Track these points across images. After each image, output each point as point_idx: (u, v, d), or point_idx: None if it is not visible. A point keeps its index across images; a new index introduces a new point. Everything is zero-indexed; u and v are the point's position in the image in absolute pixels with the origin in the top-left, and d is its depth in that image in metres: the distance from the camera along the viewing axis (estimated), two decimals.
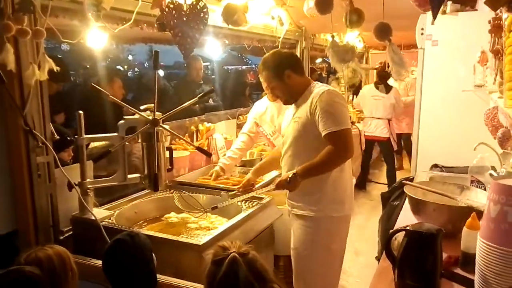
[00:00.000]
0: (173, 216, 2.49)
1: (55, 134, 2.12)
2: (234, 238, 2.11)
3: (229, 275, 1.27)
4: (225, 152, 3.47)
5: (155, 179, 2.23)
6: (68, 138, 2.20)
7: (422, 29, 3.82)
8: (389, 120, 5.93)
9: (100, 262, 1.88)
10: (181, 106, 2.33)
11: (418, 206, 2.20)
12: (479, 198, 2.19)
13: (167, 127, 2.29)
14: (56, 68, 1.92)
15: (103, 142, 2.65)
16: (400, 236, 1.94)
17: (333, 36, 3.44)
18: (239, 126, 4.11)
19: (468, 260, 1.78)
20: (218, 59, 7.70)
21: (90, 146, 2.51)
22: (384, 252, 2.01)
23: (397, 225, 2.30)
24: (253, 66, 11.29)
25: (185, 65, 4.87)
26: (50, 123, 2.09)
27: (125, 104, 2.17)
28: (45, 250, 1.52)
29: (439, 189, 2.32)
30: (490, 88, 3.01)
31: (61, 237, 2.20)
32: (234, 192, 2.54)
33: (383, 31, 2.77)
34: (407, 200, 2.99)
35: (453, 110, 3.78)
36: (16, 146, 1.93)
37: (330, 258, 2.35)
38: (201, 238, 2.00)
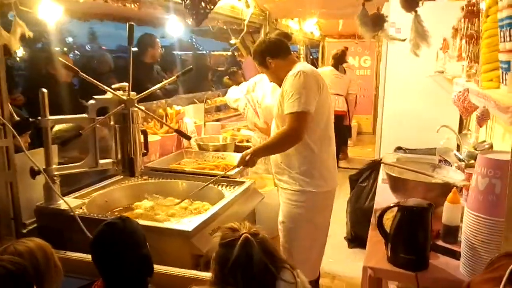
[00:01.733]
0: (145, 204, 2.38)
1: (14, 115, 1.95)
2: (222, 223, 2.07)
3: (242, 256, 1.22)
4: (196, 137, 3.39)
5: (130, 164, 2.13)
6: (30, 119, 1.99)
7: (387, 16, 3.89)
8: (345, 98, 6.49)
9: (76, 254, 1.79)
10: (158, 85, 2.24)
11: (397, 184, 2.25)
12: (451, 175, 2.28)
13: (142, 108, 2.19)
14: (28, 34, 1.75)
15: (64, 126, 2.47)
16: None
17: (363, 4, 3.34)
18: (207, 111, 4.03)
19: (449, 233, 1.85)
20: (167, 44, 7.51)
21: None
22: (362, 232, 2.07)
23: (377, 204, 2.36)
24: (205, 52, 11.04)
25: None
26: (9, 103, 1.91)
27: (97, 82, 2.02)
28: (24, 243, 1.37)
29: (414, 168, 2.39)
30: (453, 74, 3.14)
31: (24, 231, 2.02)
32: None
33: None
34: (378, 180, 3.10)
35: (415, 96, 3.92)
36: None
37: (315, 232, 2.45)
38: (188, 224, 1.93)
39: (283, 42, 2.49)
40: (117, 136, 2.16)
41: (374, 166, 3.63)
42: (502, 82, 1.58)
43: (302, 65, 2.36)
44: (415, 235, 1.63)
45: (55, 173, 2.05)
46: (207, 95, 4.03)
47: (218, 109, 4.45)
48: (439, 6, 3.78)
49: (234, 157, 3.03)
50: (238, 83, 6.73)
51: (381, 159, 3.56)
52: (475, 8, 2.09)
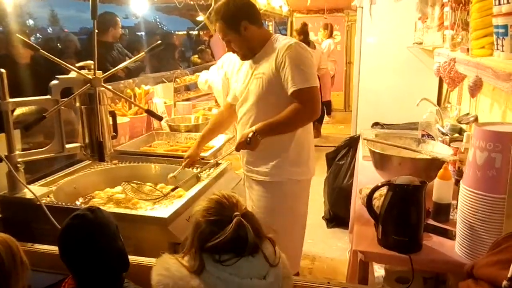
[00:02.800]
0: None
1: None
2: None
3: (234, 238, 1.11)
4: (166, 118, 3.21)
5: (99, 147, 1.95)
6: None
7: None
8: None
9: (44, 246, 1.63)
10: (127, 61, 2.06)
11: (382, 161, 2.17)
12: (437, 149, 2.21)
13: (110, 87, 2.00)
14: None
15: (27, 109, 2.27)
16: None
17: None
18: (177, 90, 3.84)
19: (441, 211, 1.78)
20: (131, 24, 7.19)
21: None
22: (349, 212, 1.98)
23: (360, 183, 2.27)
24: (171, 31, 10.71)
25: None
26: None
27: (59, 60, 1.82)
28: None
29: (397, 143, 2.31)
30: (432, 44, 3.07)
31: None
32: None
33: None
34: (357, 157, 3.02)
35: (391, 69, 3.85)
36: None
37: (294, 222, 2.24)
38: (163, 211, 1.79)
39: (257, 7, 2.19)
40: (83, 118, 2.00)
41: (351, 143, 3.55)
42: (497, 49, 1.49)
43: (286, 37, 2.14)
44: (407, 215, 1.55)
45: (19, 159, 1.85)
46: (176, 74, 3.82)
47: (188, 88, 4.25)
48: None
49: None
50: (206, 61, 6.55)
51: (359, 136, 3.48)
52: None
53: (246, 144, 1.97)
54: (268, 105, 2.07)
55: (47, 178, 2.15)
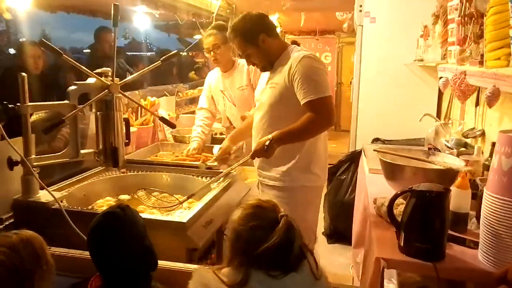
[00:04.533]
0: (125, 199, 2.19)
1: None
2: (213, 215, 1.91)
3: (283, 241, 1.09)
4: (170, 130, 3.20)
5: (114, 154, 1.95)
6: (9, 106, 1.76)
7: (361, 6, 3.88)
8: None
9: (63, 250, 1.59)
10: (143, 70, 2.05)
11: (394, 172, 2.17)
12: (448, 161, 2.23)
13: (126, 94, 1.99)
14: None
15: (40, 115, 2.23)
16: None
17: None
18: (178, 104, 3.83)
19: (458, 220, 1.78)
20: (121, 45, 7.23)
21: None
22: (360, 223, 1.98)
23: (371, 195, 2.27)
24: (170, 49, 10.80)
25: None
26: None
27: (81, 66, 1.82)
28: (7, 237, 1.18)
29: (403, 158, 2.33)
30: (436, 61, 3.14)
31: (0, 226, 1.82)
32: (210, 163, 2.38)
33: None
34: (365, 170, 3.02)
35: (392, 86, 3.89)
36: None
37: (305, 228, 2.21)
38: (181, 216, 1.77)
39: (271, 20, 2.27)
40: (98, 124, 1.97)
41: (353, 158, 3.57)
42: None
43: (301, 48, 2.20)
44: (431, 222, 1.54)
45: (35, 163, 1.82)
46: (178, 88, 3.83)
47: (190, 102, 4.26)
48: None
49: (213, 149, 2.88)
50: (203, 78, 6.58)
51: (361, 150, 3.51)
52: None
53: (263, 151, 2.01)
54: (280, 114, 2.13)
55: (57, 185, 2.12)
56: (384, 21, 3.83)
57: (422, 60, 3.45)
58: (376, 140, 3.70)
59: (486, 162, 2.13)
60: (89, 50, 4.34)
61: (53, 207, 1.80)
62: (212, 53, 2.86)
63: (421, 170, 2.10)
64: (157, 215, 1.89)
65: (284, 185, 2.16)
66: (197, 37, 5.95)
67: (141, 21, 4.42)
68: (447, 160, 2.25)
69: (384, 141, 3.63)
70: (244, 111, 2.93)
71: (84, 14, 4.06)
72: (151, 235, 1.65)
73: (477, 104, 2.67)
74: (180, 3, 3.66)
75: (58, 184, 2.12)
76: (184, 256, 1.69)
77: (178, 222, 1.70)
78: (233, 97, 2.97)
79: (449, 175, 2.01)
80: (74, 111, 1.84)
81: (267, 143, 2.00)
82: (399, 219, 1.62)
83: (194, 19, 4.24)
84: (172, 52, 2.08)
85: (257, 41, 2.12)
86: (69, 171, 2.34)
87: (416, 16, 3.63)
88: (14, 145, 1.84)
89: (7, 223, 1.84)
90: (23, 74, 1.77)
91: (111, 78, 1.91)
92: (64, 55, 1.78)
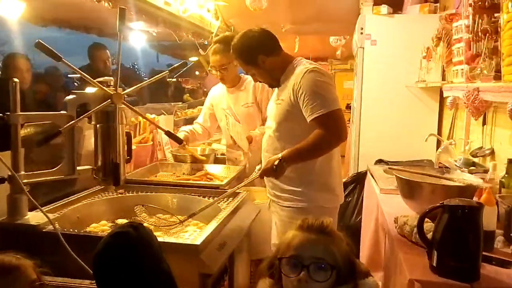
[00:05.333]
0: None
1: None
2: (226, 238, 1.77)
3: None
4: (170, 149, 3.07)
5: (115, 170, 1.79)
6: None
7: (362, 28, 3.86)
8: None
9: (58, 279, 1.40)
10: (147, 81, 1.94)
11: (411, 190, 2.06)
12: (465, 178, 2.13)
13: (130, 106, 1.87)
14: None
15: (31, 130, 2.07)
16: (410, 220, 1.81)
17: None
18: (176, 123, 3.72)
19: (486, 238, 1.66)
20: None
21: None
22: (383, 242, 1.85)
23: (388, 215, 2.14)
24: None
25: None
26: None
27: (82, 72, 1.70)
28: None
29: (419, 175, 2.24)
30: (441, 81, 3.10)
31: None
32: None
33: None
34: (376, 191, 2.91)
35: (393, 108, 3.85)
36: None
37: None
38: (192, 238, 1.62)
39: (273, 35, 2.16)
40: (98, 138, 1.82)
41: (358, 179, 3.47)
42: None
43: (307, 61, 2.11)
44: (467, 239, 1.42)
45: (24, 181, 1.65)
46: (177, 107, 3.72)
47: (187, 122, 4.14)
48: (412, 18, 3.80)
49: (217, 169, 2.76)
50: (197, 99, 6.51)
51: (366, 171, 3.42)
52: (486, 3, 2.01)
53: (272, 171, 1.90)
54: (288, 131, 2.05)
55: (45, 207, 1.90)
56: (385, 44, 3.81)
57: (424, 81, 3.41)
58: (379, 161, 3.61)
59: (503, 180, 2.04)
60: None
61: (45, 230, 1.61)
62: (218, 72, 2.77)
63: (440, 187, 2.00)
64: (166, 238, 1.73)
65: (298, 206, 2.04)
66: (193, 58, 5.90)
67: (137, 40, 4.32)
68: (465, 177, 2.16)
69: (387, 162, 3.54)
70: (249, 129, 2.82)
71: (78, 30, 3.97)
72: None
73: (484, 123, 2.62)
74: (182, 21, 3.60)
75: (48, 206, 1.91)
76: (197, 283, 1.53)
77: (190, 244, 1.54)
78: (237, 115, 2.86)
79: (468, 192, 1.92)
80: (72, 122, 1.69)
81: (276, 162, 1.89)
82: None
83: (193, 38, 4.17)
84: (180, 63, 1.98)
85: (256, 62, 2.07)
86: (58, 192, 2.15)
87: (416, 38, 3.63)
88: None
89: None
90: (15, 80, 1.62)
91: (113, 88, 1.78)
92: (63, 59, 1.64)
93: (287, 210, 2.08)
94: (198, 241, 1.54)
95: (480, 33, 2.00)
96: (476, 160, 2.67)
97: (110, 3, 2.63)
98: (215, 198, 2.10)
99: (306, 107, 1.92)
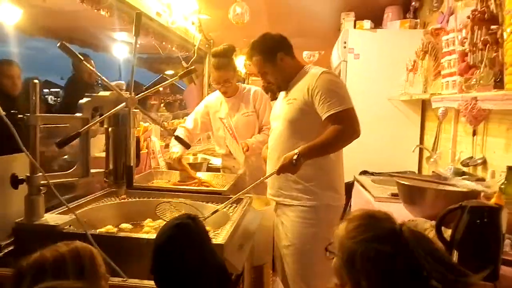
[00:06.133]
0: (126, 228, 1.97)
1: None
2: (242, 240, 1.76)
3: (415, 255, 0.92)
4: (162, 157, 3.02)
5: (129, 173, 1.75)
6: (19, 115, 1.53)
7: (345, 42, 3.98)
8: None
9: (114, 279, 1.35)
10: (156, 87, 1.93)
11: (413, 196, 2.13)
12: (466, 184, 2.20)
13: (143, 109, 1.84)
14: None
15: None
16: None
17: None
18: (162, 134, 3.66)
19: None
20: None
21: None
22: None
23: None
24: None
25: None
26: None
27: (99, 74, 1.67)
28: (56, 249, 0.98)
29: (420, 181, 2.31)
30: (428, 93, 3.22)
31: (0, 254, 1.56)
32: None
33: None
34: (360, 202, 2.97)
35: (376, 120, 3.95)
36: None
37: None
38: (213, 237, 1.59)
39: (288, 40, 2.28)
40: (110, 141, 1.79)
41: (346, 190, 3.51)
42: None
43: (318, 67, 2.20)
44: (489, 239, 1.48)
45: (42, 182, 1.59)
46: (163, 118, 3.67)
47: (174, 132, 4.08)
48: (394, 32, 3.95)
49: (211, 177, 2.73)
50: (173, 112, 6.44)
51: (353, 182, 3.48)
52: (486, 15, 2.12)
53: (291, 166, 1.95)
54: (300, 129, 2.12)
55: (54, 211, 1.86)
56: (368, 58, 3.94)
57: (409, 94, 3.53)
58: (364, 172, 3.69)
59: (502, 186, 2.13)
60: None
61: (65, 231, 1.56)
62: (221, 86, 2.80)
63: (443, 192, 2.08)
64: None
65: (308, 204, 2.12)
66: (168, 72, 5.87)
67: (119, 52, 4.26)
68: (465, 183, 2.25)
69: (373, 173, 3.62)
70: (245, 138, 2.83)
71: (64, 39, 3.87)
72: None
73: (474, 133, 2.74)
74: (170, 33, 3.59)
75: (56, 210, 1.85)
76: None
77: (217, 244, 1.50)
78: (236, 123, 2.86)
79: (471, 197, 1.99)
80: (90, 124, 1.65)
81: (295, 157, 1.94)
82: None
83: (177, 51, 4.15)
84: (190, 68, 1.97)
85: (275, 59, 2.16)
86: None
87: (398, 52, 3.78)
88: (14, 161, 1.63)
89: (6, 250, 1.57)
90: (35, 80, 1.58)
91: (127, 92, 1.75)
92: (83, 61, 1.61)
93: (296, 210, 2.15)
94: (222, 240, 1.52)
95: (479, 44, 2.10)
96: (465, 169, 2.78)
97: (108, 12, 2.60)
98: (234, 197, 2.09)
99: (323, 105, 2.00)
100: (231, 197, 2.19)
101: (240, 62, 7.95)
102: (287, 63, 2.18)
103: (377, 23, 4.24)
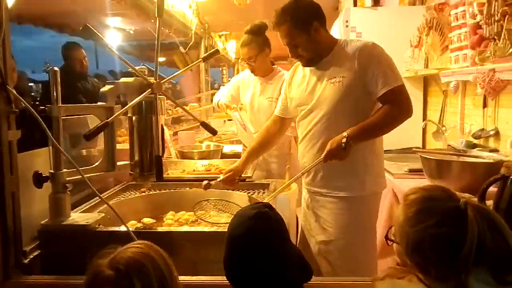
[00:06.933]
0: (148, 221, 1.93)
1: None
2: None
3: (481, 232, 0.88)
4: (173, 147, 2.97)
5: (158, 164, 1.68)
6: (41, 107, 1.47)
7: (347, 21, 3.93)
8: None
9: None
10: (180, 71, 1.86)
11: (439, 169, 2.12)
12: (486, 155, 2.21)
13: (169, 95, 1.78)
14: None
15: None
16: None
17: None
18: (166, 122, 3.60)
19: None
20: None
21: None
22: None
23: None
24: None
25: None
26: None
27: (125, 60, 1.59)
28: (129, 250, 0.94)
29: (442, 155, 2.32)
30: (436, 68, 3.22)
31: (25, 260, 1.46)
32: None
33: None
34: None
35: None
36: None
37: (372, 237, 2.02)
38: None
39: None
40: (134, 130, 1.72)
41: None
42: None
43: (356, 39, 2.07)
44: None
45: (67, 179, 1.52)
46: (166, 106, 3.59)
47: (175, 121, 4.02)
48: (395, 10, 3.93)
49: (228, 163, 2.69)
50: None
51: None
52: None
53: (341, 150, 1.74)
54: (346, 111, 1.87)
55: (79, 208, 1.80)
56: (370, 36, 3.86)
57: (415, 70, 3.52)
58: None
59: None
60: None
61: (98, 229, 1.50)
62: (246, 64, 2.76)
63: (469, 164, 2.08)
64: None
65: (355, 194, 1.92)
66: (160, 59, 5.76)
67: (112, 39, 4.16)
68: (482, 155, 2.26)
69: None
70: (259, 127, 2.76)
71: (52, 28, 3.76)
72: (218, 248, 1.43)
73: (484, 105, 2.74)
74: (171, 17, 3.51)
75: (79, 207, 1.79)
76: None
77: None
78: (258, 106, 2.82)
79: (496, 168, 1.98)
80: (119, 112, 1.58)
81: (343, 140, 1.73)
82: None
83: (174, 36, 4.07)
84: (213, 50, 1.88)
85: (309, 28, 1.86)
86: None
87: (400, 29, 3.74)
88: (36, 158, 1.56)
89: (32, 256, 1.49)
90: (55, 68, 1.50)
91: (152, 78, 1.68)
92: (108, 46, 1.54)
93: (340, 201, 1.94)
94: None
95: (497, 15, 2.09)
96: (476, 142, 2.79)
97: None
98: (277, 191, 2.01)
99: (378, 80, 1.79)
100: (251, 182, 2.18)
101: (232, 46, 7.87)
102: (321, 34, 1.88)
103: (377, 1, 4.22)
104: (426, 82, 3.87)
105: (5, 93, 1.30)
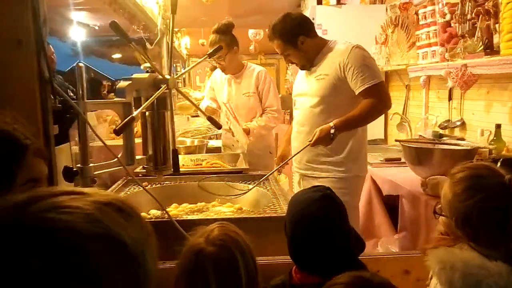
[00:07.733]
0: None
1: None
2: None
3: None
4: None
5: (174, 157, 1.73)
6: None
7: (313, 18, 4.08)
8: None
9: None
10: (192, 65, 1.88)
11: (420, 157, 2.30)
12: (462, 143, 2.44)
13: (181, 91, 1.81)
14: None
15: None
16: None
17: None
18: None
19: None
20: None
21: None
22: None
23: (403, 183, 2.40)
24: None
25: None
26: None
27: (144, 54, 1.61)
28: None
29: (419, 144, 2.53)
30: (404, 64, 3.45)
31: None
32: None
33: None
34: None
35: None
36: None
37: (358, 220, 2.32)
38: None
39: (309, 19, 2.32)
40: (148, 125, 1.74)
41: None
42: None
43: (344, 41, 2.24)
44: None
45: (95, 173, 1.52)
46: None
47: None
48: (360, 9, 4.14)
49: (217, 158, 2.75)
50: None
51: None
52: None
53: (328, 138, 2.00)
54: (333, 104, 2.15)
55: None
56: (335, 33, 4.05)
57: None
58: None
59: (492, 142, 2.39)
60: None
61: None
62: (216, 63, 2.83)
63: (449, 151, 2.29)
64: (253, 215, 1.74)
65: (340, 176, 2.19)
66: (116, 56, 5.64)
67: (76, 35, 4.04)
68: (456, 142, 2.49)
69: None
70: (246, 119, 2.85)
71: None
72: (254, 235, 1.51)
73: (449, 98, 3.01)
74: (142, 13, 3.46)
75: None
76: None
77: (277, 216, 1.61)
78: (236, 104, 2.88)
79: (473, 153, 2.22)
80: (143, 106, 1.59)
81: (332, 130, 1.99)
82: None
83: (142, 32, 4.01)
84: (217, 46, 1.94)
85: (295, 42, 2.17)
86: None
87: (364, 27, 3.96)
88: (60, 154, 1.54)
89: None
90: (81, 64, 1.50)
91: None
92: (132, 43, 1.55)
93: (325, 182, 2.14)
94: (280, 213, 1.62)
95: (470, 15, 2.31)
96: (442, 132, 3.05)
97: None
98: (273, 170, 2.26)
99: (356, 79, 2.06)
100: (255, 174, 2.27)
101: (184, 42, 7.83)
102: (308, 44, 2.19)
103: None
104: (388, 77, 4.12)
105: (52, 89, 1.27)
